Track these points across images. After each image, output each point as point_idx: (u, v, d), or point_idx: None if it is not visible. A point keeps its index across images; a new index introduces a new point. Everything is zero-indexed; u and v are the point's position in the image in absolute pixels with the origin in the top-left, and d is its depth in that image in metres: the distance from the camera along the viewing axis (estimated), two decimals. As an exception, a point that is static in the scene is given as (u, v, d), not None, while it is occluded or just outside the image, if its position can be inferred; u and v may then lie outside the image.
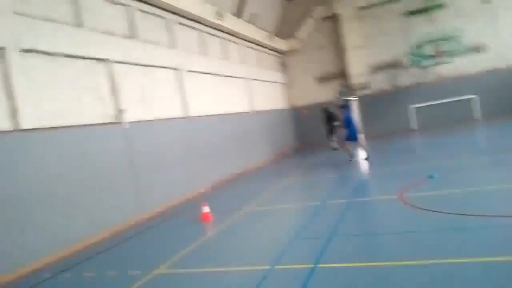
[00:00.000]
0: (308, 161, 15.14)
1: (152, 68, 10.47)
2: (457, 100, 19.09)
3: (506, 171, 8.06)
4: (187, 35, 12.45)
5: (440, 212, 5.84)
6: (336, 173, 11.45)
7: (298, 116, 20.85)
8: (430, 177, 8.30)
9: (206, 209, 7.67)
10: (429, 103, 19.46)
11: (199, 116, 12.14)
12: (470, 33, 18.55)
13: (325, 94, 21.13)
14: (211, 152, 12.37)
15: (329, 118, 16.75)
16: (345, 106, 12.87)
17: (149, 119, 9.96)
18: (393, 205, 6.71)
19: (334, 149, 16.40)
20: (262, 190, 10.00)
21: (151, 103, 10.21)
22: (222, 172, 12.80)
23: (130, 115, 9.25)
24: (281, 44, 20.60)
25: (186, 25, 12.41)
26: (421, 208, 6.19)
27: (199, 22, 12.98)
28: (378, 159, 12.25)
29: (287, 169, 13.90)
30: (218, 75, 13.90)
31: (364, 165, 11.72)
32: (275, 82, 20.26)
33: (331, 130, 16.73)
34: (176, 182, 10.39)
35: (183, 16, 12.10)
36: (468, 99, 19.01)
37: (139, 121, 9.53)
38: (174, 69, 11.43)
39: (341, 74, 20.88)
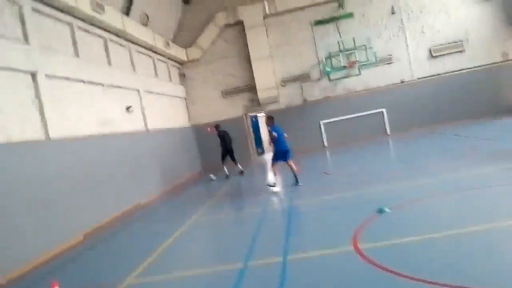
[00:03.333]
0: (217, 190, 12.57)
1: (-13, 69, 7.10)
2: (367, 114, 18.28)
3: (471, 201, 6.39)
4: (49, 27, 9.18)
5: (423, 281, 3.71)
6: (257, 207, 8.98)
7: (202, 136, 18.27)
8: (380, 211, 6.32)
9: (57, 294, 4.64)
10: (339, 118, 18.37)
11: (64, 138, 8.85)
12: (380, 44, 17.92)
13: (232, 109, 18.95)
14: (81, 187, 9.05)
15: (223, 139, 14.37)
16: (271, 118, 10.44)
17: (-23, 144, 6.56)
18: (352, 267, 4.44)
19: (227, 177, 14.16)
20: (153, 243, 7.08)
21: (-17, 120, 6.82)
22: (96, 217, 9.39)
23: None
24: (180, 52, 17.97)
25: (48, 15, 9.16)
26: (395, 273, 4.02)
27: (68, 13, 9.80)
28: (302, 185, 10.18)
29: (190, 204, 10.97)
30: (96, 83, 10.73)
31: (288, 194, 9.51)
32: (174, 96, 17.46)
33: (224, 154, 14.37)
34: (22, 239, 6.99)
35: (44, 2, 8.88)
36: (378, 113, 18.29)
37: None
38: (28, 72, 8.12)
39: (249, 88, 18.86)
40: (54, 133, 8.47)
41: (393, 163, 11.79)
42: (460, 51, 17.82)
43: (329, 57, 17.60)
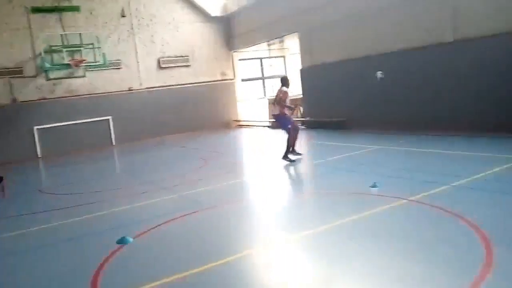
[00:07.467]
0: None
1: None
2: (92, 122, 16.61)
3: (212, 222, 6.07)
4: None
5: None
6: None
7: None
8: (122, 241, 5.13)
9: None
10: (58, 124, 15.93)
11: None
12: (109, 46, 16.58)
13: None
14: None
15: None
16: None
17: None
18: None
19: None
20: None
21: None
22: None
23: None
24: None
25: None
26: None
27: None
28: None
29: None
30: None
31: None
32: None
33: None
34: None
35: None
36: (104, 121, 16.91)
37: None
38: None
39: None
40: None
41: (125, 177, 10.71)
42: (187, 66, 18.56)
43: (50, 51, 15.01)
